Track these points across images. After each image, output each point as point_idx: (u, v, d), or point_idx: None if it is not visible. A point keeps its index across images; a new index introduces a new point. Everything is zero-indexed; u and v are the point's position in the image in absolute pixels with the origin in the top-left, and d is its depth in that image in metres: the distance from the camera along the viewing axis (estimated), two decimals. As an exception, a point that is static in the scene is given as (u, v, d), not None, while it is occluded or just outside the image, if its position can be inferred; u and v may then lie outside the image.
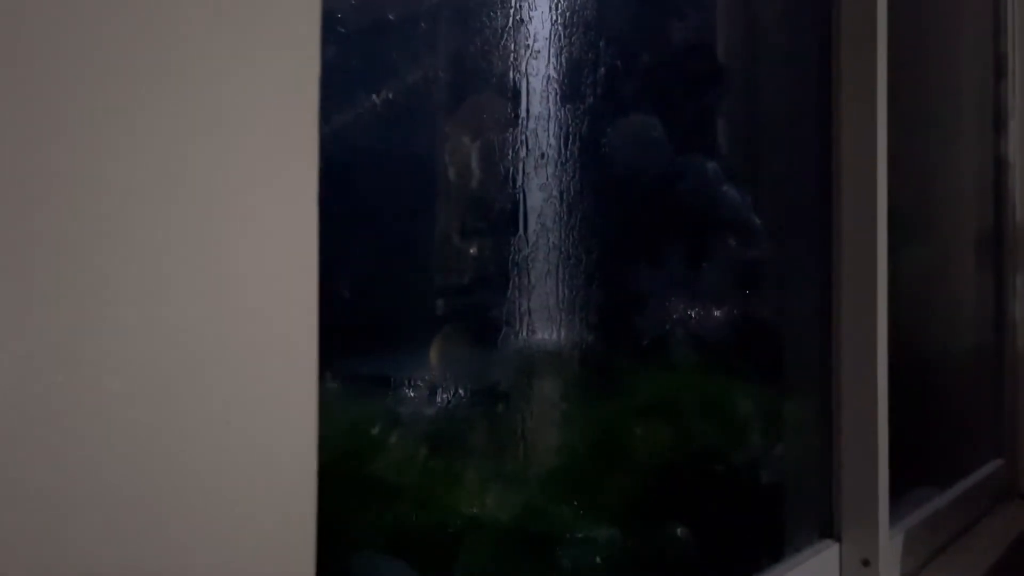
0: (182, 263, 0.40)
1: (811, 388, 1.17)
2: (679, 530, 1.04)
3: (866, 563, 1.14)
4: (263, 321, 0.44)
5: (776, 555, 1.12)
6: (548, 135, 0.95)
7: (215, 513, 0.41)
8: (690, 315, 1.06)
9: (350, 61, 0.82)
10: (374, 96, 0.83)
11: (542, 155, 0.94)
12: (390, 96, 0.85)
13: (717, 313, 1.08)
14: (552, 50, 0.94)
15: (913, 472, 1.42)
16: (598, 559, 0.98)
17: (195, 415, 0.40)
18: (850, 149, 1.13)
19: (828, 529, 1.16)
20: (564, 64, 0.95)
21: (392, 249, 0.89)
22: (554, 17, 0.94)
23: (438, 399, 0.93)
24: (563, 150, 0.96)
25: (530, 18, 0.92)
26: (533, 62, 0.93)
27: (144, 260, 0.38)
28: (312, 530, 0.46)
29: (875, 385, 1.12)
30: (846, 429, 1.14)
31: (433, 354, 0.94)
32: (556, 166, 0.95)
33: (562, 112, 0.96)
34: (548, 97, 0.95)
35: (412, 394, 0.92)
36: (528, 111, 0.94)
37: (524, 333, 0.94)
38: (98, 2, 0.37)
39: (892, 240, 1.16)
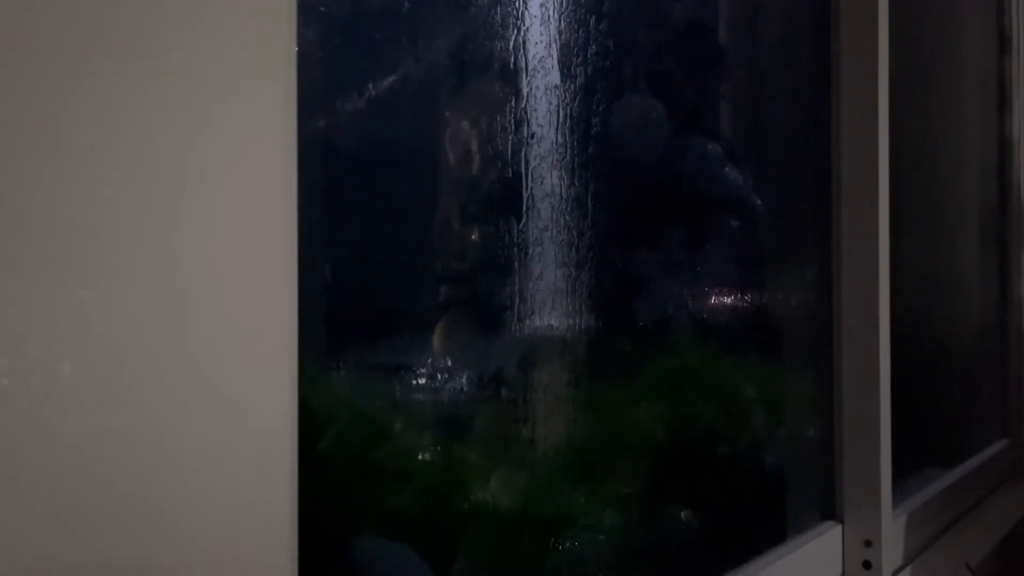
0: (145, 246, 0.39)
1: (813, 369, 1.17)
2: (682, 513, 1.05)
3: (868, 544, 1.14)
4: (236, 304, 0.43)
5: (778, 537, 1.12)
6: (548, 118, 0.94)
7: (183, 503, 0.41)
8: (692, 297, 1.06)
9: (345, 48, 0.81)
10: (371, 83, 0.82)
11: (542, 138, 0.94)
12: (387, 83, 0.84)
13: (719, 295, 1.07)
14: (550, 31, 0.93)
15: (917, 453, 1.42)
16: (601, 541, 0.98)
17: (158, 403, 0.40)
18: (852, 129, 1.12)
19: (830, 511, 1.16)
20: (562, 45, 0.95)
21: (393, 236, 0.89)
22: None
23: (442, 385, 0.93)
24: (563, 133, 0.96)
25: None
26: (531, 44, 0.92)
27: (107, 244, 0.38)
28: (293, 520, 0.46)
29: (877, 365, 1.12)
30: (848, 410, 1.14)
31: (436, 340, 0.94)
32: (556, 149, 0.95)
33: (561, 94, 0.96)
34: (547, 79, 0.95)
35: (416, 380, 0.92)
36: (526, 94, 0.93)
37: (526, 318, 0.94)
38: None
39: (895, 220, 1.15)
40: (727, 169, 1.11)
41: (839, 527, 1.15)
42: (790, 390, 1.19)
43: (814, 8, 1.16)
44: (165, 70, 0.40)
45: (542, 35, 0.94)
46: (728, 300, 1.09)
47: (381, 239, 0.87)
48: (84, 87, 0.37)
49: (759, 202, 1.11)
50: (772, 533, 1.11)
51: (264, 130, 0.44)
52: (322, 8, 0.75)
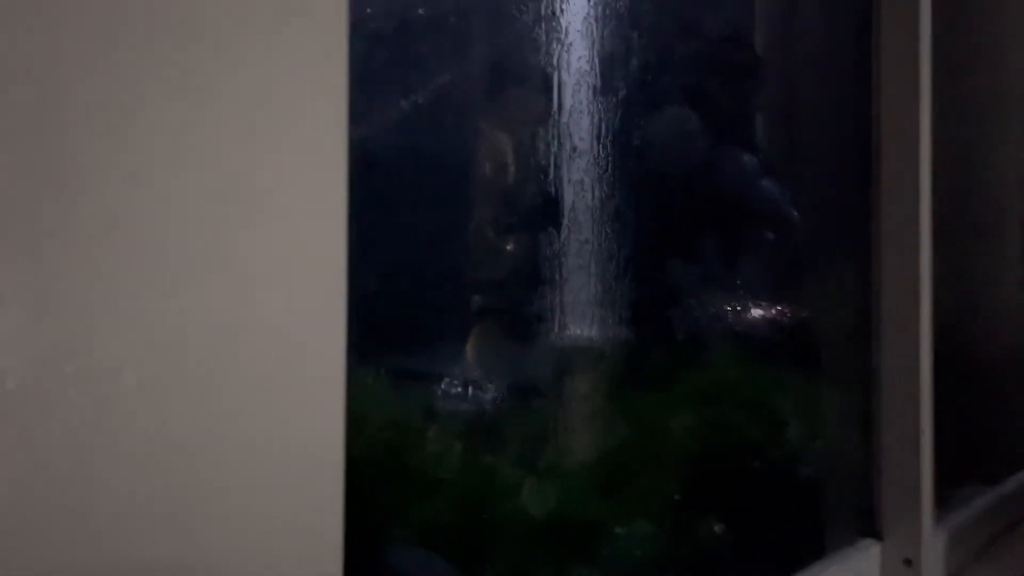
0: (206, 259, 0.40)
1: (853, 382, 1.15)
2: (717, 526, 1.03)
3: (908, 563, 1.12)
4: (289, 316, 0.44)
5: (816, 554, 1.10)
6: (582, 129, 0.94)
7: (234, 509, 0.41)
8: (728, 309, 1.05)
9: (385, 62, 0.82)
10: (411, 96, 0.83)
11: (576, 149, 0.94)
12: (425, 95, 0.85)
13: (755, 307, 1.06)
14: (586, 43, 0.93)
15: (959, 469, 1.39)
16: (636, 554, 0.97)
17: (211, 411, 0.40)
18: (892, 139, 1.11)
19: (870, 528, 1.14)
20: (601, 59, 0.95)
21: (431, 246, 0.89)
22: (588, 10, 0.94)
23: (475, 393, 0.93)
24: (598, 144, 0.95)
25: (563, 11, 0.91)
26: (567, 56, 0.92)
27: (171, 257, 0.39)
28: (339, 528, 0.46)
29: (919, 379, 1.10)
30: (889, 425, 1.12)
31: (470, 349, 0.94)
32: (593, 161, 0.95)
33: (597, 106, 0.95)
34: (582, 91, 0.95)
35: (449, 388, 0.92)
36: (562, 106, 0.93)
37: (561, 327, 0.94)
38: (145, 9, 0.38)
39: (936, 230, 1.14)
40: (763, 180, 1.10)
41: (878, 545, 1.13)
42: (828, 403, 1.17)
43: (854, 16, 1.15)
44: (227, 96, 0.41)
45: (582, 49, 0.94)
46: (764, 311, 1.08)
47: (419, 249, 0.87)
48: (155, 116, 0.38)
49: (795, 213, 1.09)
50: (809, 549, 1.10)
51: (319, 148, 0.45)
52: (372, 25, 0.76)
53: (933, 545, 1.16)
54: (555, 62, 0.93)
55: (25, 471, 0.35)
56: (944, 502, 1.26)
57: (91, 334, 0.36)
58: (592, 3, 0.94)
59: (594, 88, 0.95)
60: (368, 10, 0.77)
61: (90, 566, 0.37)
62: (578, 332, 0.95)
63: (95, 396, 0.37)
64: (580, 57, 0.93)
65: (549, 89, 0.93)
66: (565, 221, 0.94)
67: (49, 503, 0.35)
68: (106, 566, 0.37)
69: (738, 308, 1.04)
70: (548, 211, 0.94)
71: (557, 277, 0.94)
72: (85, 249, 0.36)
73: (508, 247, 0.96)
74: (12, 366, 0.34)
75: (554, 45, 0.92)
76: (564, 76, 0.93)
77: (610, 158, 0.95)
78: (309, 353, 0.45)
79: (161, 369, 0.39)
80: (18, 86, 0.35)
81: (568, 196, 0.94)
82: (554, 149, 0.93)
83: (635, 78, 0.98)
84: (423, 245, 0.88)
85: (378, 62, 0.80)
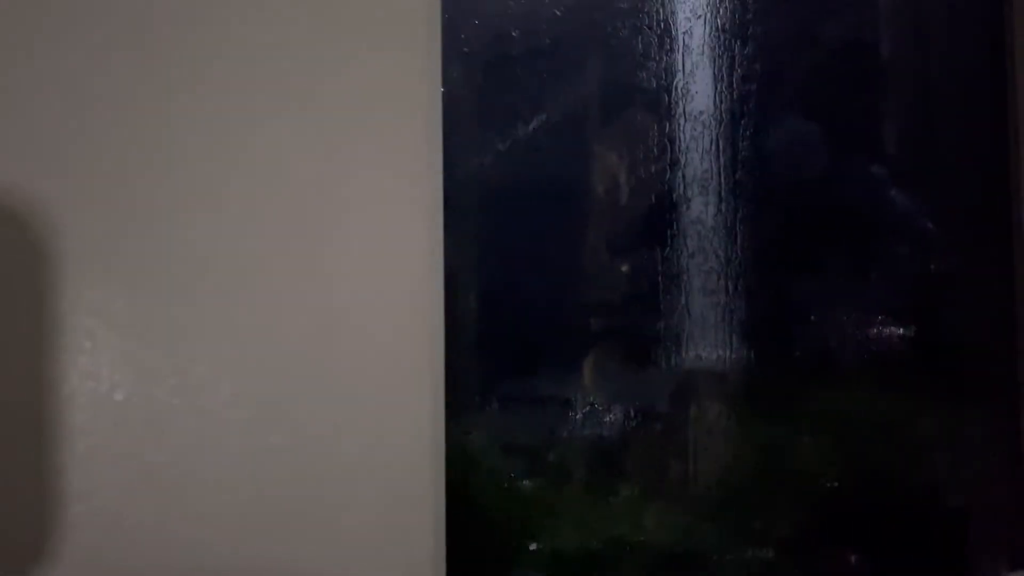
0: (303, 276, 0.41)
1: (998, 403, 1.08)
2: (852, 557, 0.99)
3: (1067, 597, 1.04)
4: (381, 328, 0.44)
5: (962, 586, 1.04)
6: (700, 146, 0.92)
7: (327, 516, 0.42)
8: (855, 327, 1.00)
9: (489, 84, 0.82)
10: (517, 118, 0.83)
11: (689, 166, 0.92)
12: (532, 116, 0.85)
13: (888, 325, 1.01)
14: (703, 58, 0.91)
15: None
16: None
17: (310, 424, 0.41)
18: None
19: (1021, 559, 1.07)
20: (711, 71, 0.93)
21: (545, 268, 0.89)
22: (705, 24, 0.92)
23: (591, 417, 0.92)
24: (712, 160, 0.93)
25: (675, 23, 0.90)
26: (676, 71, 0.91)
27: (267, 274, 0.40)
28: (441, 534, 0.46)
29: (1072, 401, 1.03)
30: (1039, 449, 1.05)
31: (586, 373, 0.93)
32: (705, 176, 0.93)
33: (715, 120, 0.93)
34: (699, 106, 0.93)
35: (566, 412, 0.92)
36: (678, 122, 0.92)
37: (680, 349, 0.92)
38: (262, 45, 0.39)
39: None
40: (892, 191, 1.05)
41: (1031, 577, 1.06)
42: (970, 425, 1.10)
43: (984, 15, 1.09)
44: (325, 121, 0.42)
45: (689, 61, 0.92)
46: (899, 329, 1.03)
47: (530, 273, 0.87)
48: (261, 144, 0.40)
49: (929, 224, 1.04)
50: (954, 582, 1.03)
51: (413, 168, 0.46)
52: (466, 49, 0.77)
53: (1094, 579, 1.08)
54: (662, 76, 0.91)
55: (133, 476, 0.37)
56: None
57: (191, 353, 0.38)
58: (710, 17, 0.93)
59: (712, 101, 0.93)
60: (477, 38, 0.78)
61: (192, 566, 0.38)
62: (699, 353, 0.92)
63: (195, 408, 0.39)
64: (687, 71, 0.92)
65: (656, 105, 0.92)
66: (682, 240, 0.92)
67: (155, 506, 0.37)
68: (206, 565, 0.39)
69: (866, 326, 0.99)
70: (660, 230, 0.93)
71: (675, 297, 0.92)
72: (182, 280, 0.38)
73: (624, 268, 0.94)
74: (121, 381, 0.38)
75: (666, 59, 0.91)
76: (680, 91, 0.91)
77: (729, 173, 0.93)
78: (403, 367, 0.45)
79: (252, 383, 0.40)
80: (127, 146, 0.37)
81: (681, 214, 0.92)
82: (662, 166, 0.91)
83: (754, 90, 0.95)
84: (535, 270, 0.88)
85: (479, 86, 0.80)
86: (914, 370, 1.04)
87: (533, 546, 0.88)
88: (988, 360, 1.09)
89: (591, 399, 0.92)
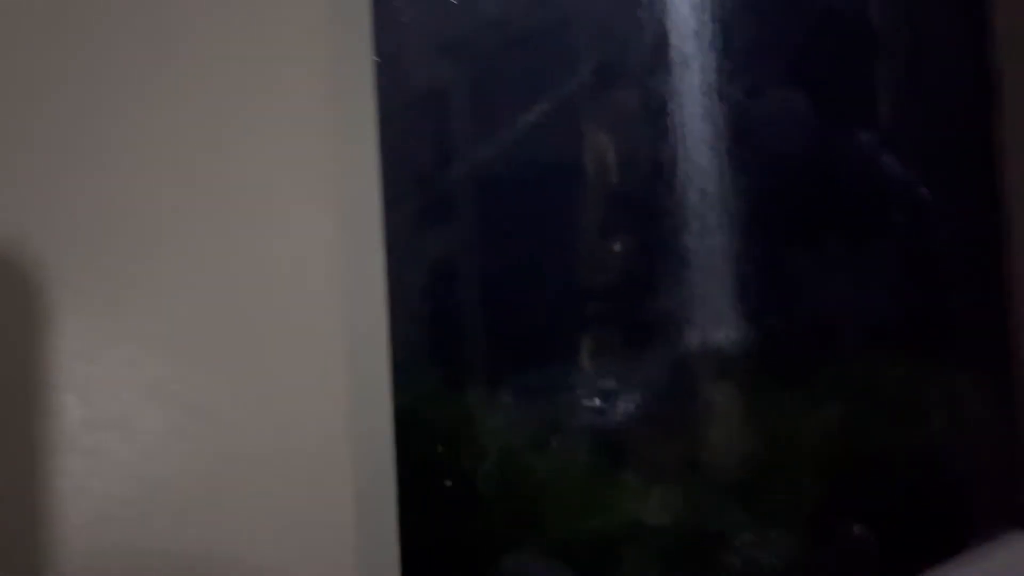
0: (214, 254, 0.43)
1: (995, 369, 1.09)
2: (855, 527, 1.00)
3: (1065, 556, 1.06)
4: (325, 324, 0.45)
5: (959, 548, 1.06)
6: (693, 121, 0.91)
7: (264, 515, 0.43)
8: (855, 298, 1.00)
9: (480, 67, 0.80)
10: (522, 108, 0.81)
11: (687, 142, 0.91)
12: (527, 102, 0.83)
13: (886, 295, 1.02)
14: (695, 34, 0.89)
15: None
16: (766, 560, 0.94)
17: (231, 408, 0.42)
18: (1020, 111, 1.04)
19: (1021, 519, 1.09)
20: (705, 41, 0.91)
21: (542, 253, 0.88)
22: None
23: (593, 400, 0.91)
24: (704, 132, 0.92)
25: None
26: (674, 42, 0.89)
27: (188, 252, 0.42)
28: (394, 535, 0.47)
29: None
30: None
31: (585, 357, 0.92)
32: (702, 152, 0.91)
33: (705, 94, 0.92)
34: (690, 78, 0.91)
35: (567, 397, 0.91)
36: (670, 95, 0.90)
37: (682, 328, 0.91)
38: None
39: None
40: (884, 157, 1.04)
41: (1030, 537, 1.08)
42: (969, 392, 1.12)
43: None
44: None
45: (682, 33, 0.90)
46: (896, 299, 1.03)
47: (530, 259, 0.86)
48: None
49: (924, 190, 1.04)
50: (954, 545, 1.05)
51: (348, 148, 0.46)
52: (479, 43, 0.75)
53: (1091, 536, 1.10)
54: (656, 49, 0.90)
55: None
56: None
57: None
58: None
59: (700, 74, 0.91)
60: (480, 22, 0.76)
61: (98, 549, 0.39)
62: (701, 332, 0.92)
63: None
64: (687, 44, 0.90)
65: (649, 79, 0.90)
66: (678, 217, 0.91)
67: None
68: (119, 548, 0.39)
69: (868, 298, 0.99)
70: (659, 209, 0.91)
71: (672, 276, 0.91)
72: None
73: (616, 248, 0.93)
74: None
75: (658, 34, 0.89)
76: (672, 65, 0.89)
77: (722, 148, 0.92)
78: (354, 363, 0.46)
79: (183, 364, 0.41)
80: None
81: (681, 191, 0.91)
82: (657, 143, 0.90)
83: (745, 61, 0.94)
84: (534, 255, 0.87)
85: (488, 75, 0.78)
86: (912, 338, 1.05)
87: (540, 533, 0.88)
88: (985, 325, 1.10)
89: (591, 382, 0.91)
